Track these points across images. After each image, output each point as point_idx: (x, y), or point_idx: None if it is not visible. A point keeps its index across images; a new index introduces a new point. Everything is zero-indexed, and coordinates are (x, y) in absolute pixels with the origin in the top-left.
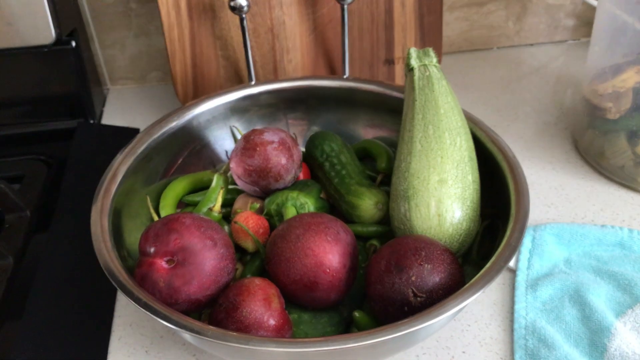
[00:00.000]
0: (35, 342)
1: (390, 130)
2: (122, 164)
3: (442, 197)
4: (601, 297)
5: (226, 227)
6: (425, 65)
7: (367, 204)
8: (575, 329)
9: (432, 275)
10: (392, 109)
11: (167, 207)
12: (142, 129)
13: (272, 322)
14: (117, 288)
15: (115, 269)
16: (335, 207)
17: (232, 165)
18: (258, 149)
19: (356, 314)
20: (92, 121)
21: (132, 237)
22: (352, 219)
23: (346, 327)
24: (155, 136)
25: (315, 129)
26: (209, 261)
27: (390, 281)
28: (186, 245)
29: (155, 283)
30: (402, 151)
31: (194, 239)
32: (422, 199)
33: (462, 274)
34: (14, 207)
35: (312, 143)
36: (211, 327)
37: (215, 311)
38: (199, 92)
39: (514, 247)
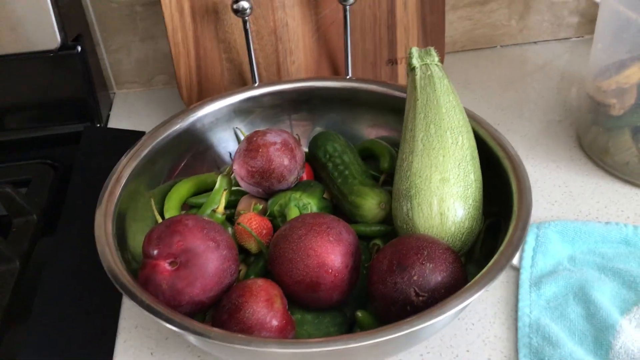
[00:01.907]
0: (41, 345)
1: (393, 130)
2: (126, 167)
3: (444, 195)
4: (606, 295)
5: (230, 229)
6: (427, 65)
7: (370, 203)
8: (579, 326)
9: (434, 274)
10: (395, 109)
11: (172, 209)
12: (148, 132)
13: (274, 322)
14: (120, 290)
15: (118, 272)
16: (339, 207)
17: (235, 167)
18: (261, 150)
19: (359, 314)
20: (98, 125)
21: (137, 240)
22: (355, 218)
23: (349, 328)
24: (159, 139)
25: (318, 129)
26: (211, 263)
27: (392, 280)
28: (189, 247)
29: (159, 285)
30: (404, 150)
31: (196, 240)
32: (424, 198)
33: (464, 273)
34: (21, 211)
35: (315, 143)
36: (214, 328)
37: (218, 312)
38: (204, 94)
39: (516, 245)
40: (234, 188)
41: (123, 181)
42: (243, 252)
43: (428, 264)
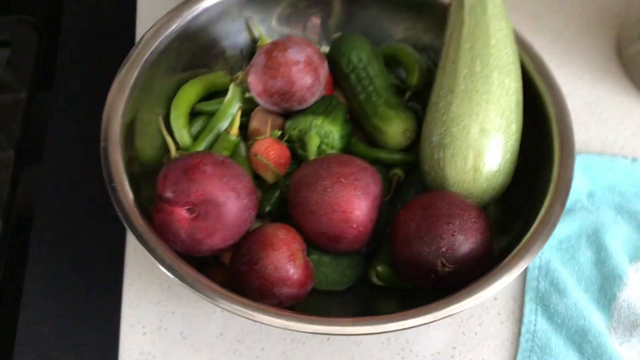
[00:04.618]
0: (45, 276)
1: (429, 36)
2: (126, 75)
3: (482, 149)
4: (618, 240)
5: (243, 146)
6: None
7: (394, 130)
8: (587, 272)
9: (463, 246)
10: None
11: (180, 117)
12: None
13: (295, 277)
14: (136, 238)
15: (132, 216)
16: (359, 124)
17: (251, 81)
18: (282, 69)
19: (379, 268)
20: None
21: (143, 142)
22: (375, 141)
23: (365, 268)
24: (162, 37)
25: (340, 26)
26: (232, 214)
27: (419, 248)
28: (208, 198)
29: (177, 233)
30: (443, 86)
31: (216, 191)
32: (459, 149)
33: (491, 242)
34: (5, 86)
35: (338, 50)
36: (228, 294)
37: (238, 262)
38: None
39: (548, 233)
40: (246, 95)
41: (126, 94)
42: (258, 178)
43: (458, 236)
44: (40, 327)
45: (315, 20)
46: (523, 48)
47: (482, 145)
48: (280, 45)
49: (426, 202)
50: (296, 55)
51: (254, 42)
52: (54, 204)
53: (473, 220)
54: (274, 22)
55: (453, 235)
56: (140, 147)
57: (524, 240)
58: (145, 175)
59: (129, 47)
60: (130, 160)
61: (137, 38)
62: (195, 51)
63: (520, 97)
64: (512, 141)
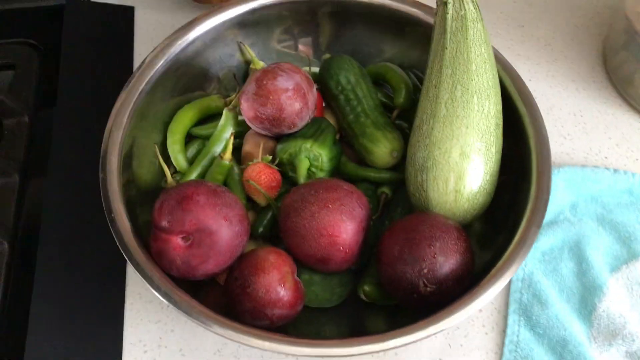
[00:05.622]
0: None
1: (414, 54)
2: (123, 104)
3: (462, 172)
4: (599, 250)
5: (236, 169)
6: (461, 1)
7: (382, 151)
8: (569, 283)
9: (445, 267)
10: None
11: (176, 143)
12: (137, 7)
13: (286, 299)
14: (133, 267)
15: (130, 246)
16: (348, 142)
17: (243, 107)
18: (271, 97)
19: (366, 288)
20: None
21: (141, 168)
22: (364, 160)
23: (354, 285)
24: (157, 66)
25: (328, 55)
26: (225, 241)
27: (402, 269)
28: (202, 226)
29: (173, 261)
30: (425, 110)
31: (209, 220)
32: (441, 172)
33: (473, 261)
34: (8, 111)
35: (327, 72)
36: (220, 319)
37: (231, 285)
38: None
39: (526, 250)
40: (239, 118)
41: (123, 124)
42: (252, 200)
43: (439, 258)
44: (46, 346)
45: (307, 41)
46: (504, 68)
47: (462, 168)
48: (269, 73)
49: (409, 225)
50: (285, 82)
51: (247, 64)
52: (58, 225)
53: (453, 242)
54: (267, 44)
55: (434, 257)
56: (138, 172)
57: (503, 258)
58: (144, 199)
59: (127, 66)
60: (129, 186)
61: (135, 56)
62: (190, 76)
63: (500, 120)
64: (492, 163)
